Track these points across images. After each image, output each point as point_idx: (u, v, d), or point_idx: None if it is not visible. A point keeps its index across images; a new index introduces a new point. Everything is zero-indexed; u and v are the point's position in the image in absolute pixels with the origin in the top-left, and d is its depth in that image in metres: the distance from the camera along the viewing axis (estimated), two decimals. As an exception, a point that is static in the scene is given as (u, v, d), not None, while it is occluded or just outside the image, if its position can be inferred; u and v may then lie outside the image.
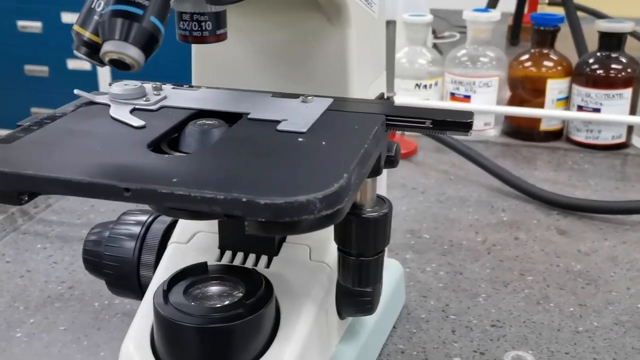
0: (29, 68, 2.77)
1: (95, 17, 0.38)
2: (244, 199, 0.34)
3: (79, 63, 2.64)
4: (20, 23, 2.71)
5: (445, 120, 0.45)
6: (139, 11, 0.34)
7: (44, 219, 0.86)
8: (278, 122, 0.44)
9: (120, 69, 0.35)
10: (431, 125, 0.45)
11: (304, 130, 0.43)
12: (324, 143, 0.41)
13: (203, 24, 0.40)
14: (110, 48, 0.34)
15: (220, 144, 0.42)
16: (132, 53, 0.34)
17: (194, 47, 0.54)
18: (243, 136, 0.43)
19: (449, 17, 1.79)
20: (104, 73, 2.66)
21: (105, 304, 0.69)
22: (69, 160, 0.39)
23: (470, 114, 0.46)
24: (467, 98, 1.10)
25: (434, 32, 1.63)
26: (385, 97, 0.99)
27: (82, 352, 0.61)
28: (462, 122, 0.45)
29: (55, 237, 0.82)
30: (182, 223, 0.55)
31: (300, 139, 0.42)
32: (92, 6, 0.38)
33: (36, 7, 2.67)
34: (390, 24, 1.00)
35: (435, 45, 1.55)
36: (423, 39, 1.14)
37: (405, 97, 1.10)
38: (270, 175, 0.37)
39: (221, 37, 0.41)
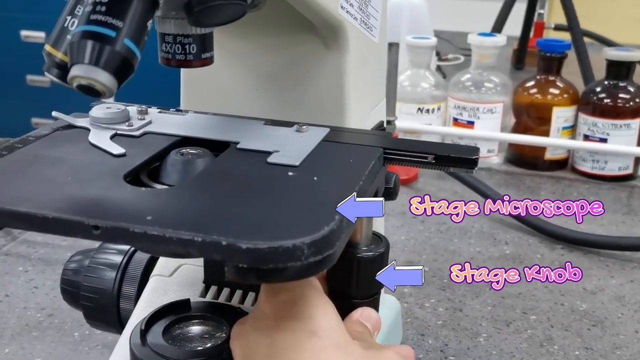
0: (30, 78, 2.74)
1: (68, 37, 0.35)
2: (223, 243, 0.31)
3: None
4: (24, 33, 2.69)
5: (449, 156, 0.42)
6: (112, 33, 0.31)
7: (28, 240, 0.83)
8: (269, 153, 0.41)
9: (90, 95, 0.31)
10: (433, 161, 0.42)
11: (296, 163, 0.39)
12: (315, 179, 0.38)
13: (187, 46, 0.37)
14: (79, 72, 0.30)
15: (203, 177, 0.39)
16: (103, 79, 0.31)
17: (182, 69, 0.51)
18: (229, 168, 0.40)
19: (453, 39, 1.76)
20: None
21: (86, 334, 0.65)
22: (35, 192, 0.35)
23: (476, 150, 0.42)
24: (470, 124, 1.07)
25: (438, 54, 1.60)
26: (386, 121, 0.97)
27: (56, 388, 0.58)
28: (467, 159, 0.42)
29: (38, 259, 0.79)
30: (166, 254, 0.52)
31: (290, 173, 0.39)
32: (65, 25, 0.35)
33: (40, 17, 2.64)
34: (393, 46, 0.97)
35: (439, 68, 1.52)
36: (427, 62, 1.11)
37: (407, 121, 1.08)
38: (255, 214, 0.34)
39: (207, 62, 0.38)
